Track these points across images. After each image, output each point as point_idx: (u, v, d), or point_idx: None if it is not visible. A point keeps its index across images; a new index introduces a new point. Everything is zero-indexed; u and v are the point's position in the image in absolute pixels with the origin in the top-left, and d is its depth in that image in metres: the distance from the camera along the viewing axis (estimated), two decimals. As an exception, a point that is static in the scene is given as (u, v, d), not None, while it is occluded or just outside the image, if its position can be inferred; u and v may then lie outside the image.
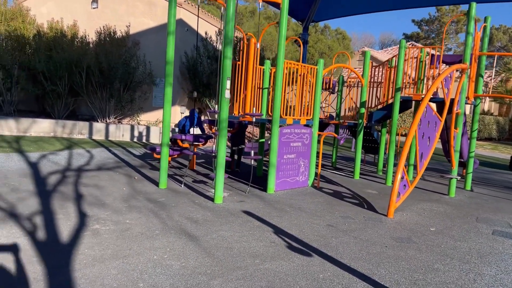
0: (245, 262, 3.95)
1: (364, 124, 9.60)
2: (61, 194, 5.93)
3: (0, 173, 6.97)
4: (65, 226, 4.59)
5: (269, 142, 8.01)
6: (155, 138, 13.19)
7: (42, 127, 12.04)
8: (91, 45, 13.70)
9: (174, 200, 6.15)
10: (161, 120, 14.37)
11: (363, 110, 9.41)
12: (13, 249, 3.85)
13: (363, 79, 9.28)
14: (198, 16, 8.06)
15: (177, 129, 12.78)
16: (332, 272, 3.83)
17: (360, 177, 9.55)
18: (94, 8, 14.99)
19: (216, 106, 7.23)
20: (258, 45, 7.49)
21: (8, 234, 4.22)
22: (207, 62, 14.45)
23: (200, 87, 14.21)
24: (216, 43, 15.03)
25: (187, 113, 14.15)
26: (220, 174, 6.17)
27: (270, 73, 8.38)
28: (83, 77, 12.97)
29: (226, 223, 5.16)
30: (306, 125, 7.98)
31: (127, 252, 3.98)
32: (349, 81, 11.62)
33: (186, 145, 8.94)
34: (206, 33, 14.91)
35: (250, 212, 5.79)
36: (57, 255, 3.76)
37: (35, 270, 3.41)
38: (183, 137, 8.71)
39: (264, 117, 8.06)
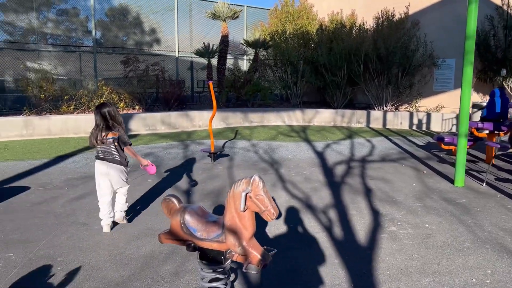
0: None
1: None
2: (349, 186, 5.78)
3: (293, 161, 7.48)
4: (359, 224, 4.30)
5: None
6: (436, 126, 11.90)
7: (323, 117, 12.71)
8: (368, 32, 13.53)
9: (477, 203, 5.06)
10: (442, 106, 12.92)
11: None
12: (315, 246, 3.78)
13: None
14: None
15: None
16: None
17: None
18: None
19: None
20: None
21: (308, 228, 4.23)
22: (503, 34, 11.96)
23: (493, 63, 11.93)
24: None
25: (474, 97, 12.16)
26: (547, 175, 4.67)
27: None
28: (360, 66, 12.94)
29: None
30: None
31: (436, 267, 3.31)
32: None
33: (483, 134, 7.48)
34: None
35: None
36: (357, 260, 3.45)
37: (338, 275, 3.18)
38: (479, 125, 7.30)
39: None
